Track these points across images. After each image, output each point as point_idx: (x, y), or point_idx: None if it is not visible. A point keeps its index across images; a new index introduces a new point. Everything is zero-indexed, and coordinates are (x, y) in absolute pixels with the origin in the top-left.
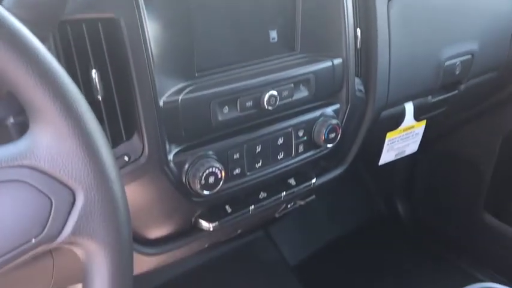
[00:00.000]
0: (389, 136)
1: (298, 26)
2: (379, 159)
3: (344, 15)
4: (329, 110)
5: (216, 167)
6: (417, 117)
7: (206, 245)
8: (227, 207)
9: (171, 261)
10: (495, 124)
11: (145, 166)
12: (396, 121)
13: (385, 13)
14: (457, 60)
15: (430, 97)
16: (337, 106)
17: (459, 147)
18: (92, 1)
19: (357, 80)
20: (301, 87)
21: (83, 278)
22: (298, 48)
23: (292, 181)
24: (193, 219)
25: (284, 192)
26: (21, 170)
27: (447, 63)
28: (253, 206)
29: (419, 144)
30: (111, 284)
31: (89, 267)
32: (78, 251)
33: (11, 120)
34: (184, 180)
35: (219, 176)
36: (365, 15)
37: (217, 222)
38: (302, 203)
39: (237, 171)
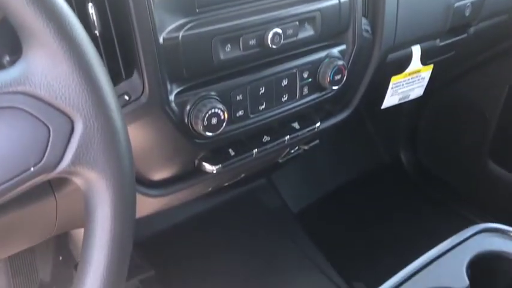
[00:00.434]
0: (394, 80)
1: None
2: (382, 103)
3: None
4: (335, 51)
5: (218, 108)
6: (424, 61)
7: (210, 188)
8: (230, 150)
9: (175, 204)
10: (502, 72)
11: (146, 106)
12: (402, 65)
13: None
14: (468, 1)
15: (438, 40)
16: (343, 47)
17: (465, 95)
18: None
19: (364, 21)
20: (307, 25)
21: (84, 209)
22: None
23: (296, 125)
24: (196, 162)
25: (288, 136)
26: (16, 96)
27: (457, 4)
28: (256, 150)
29: (424, 91)
30: (113, 213)
31: (90, 197)
32: (79, 181)
33: (7, 58)
34: (186, 121)
35: (222, 118)
36: None
37: (220, 165)
38: (306, 147)
39: (240, 113)
